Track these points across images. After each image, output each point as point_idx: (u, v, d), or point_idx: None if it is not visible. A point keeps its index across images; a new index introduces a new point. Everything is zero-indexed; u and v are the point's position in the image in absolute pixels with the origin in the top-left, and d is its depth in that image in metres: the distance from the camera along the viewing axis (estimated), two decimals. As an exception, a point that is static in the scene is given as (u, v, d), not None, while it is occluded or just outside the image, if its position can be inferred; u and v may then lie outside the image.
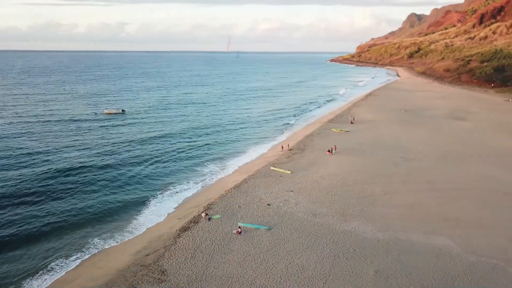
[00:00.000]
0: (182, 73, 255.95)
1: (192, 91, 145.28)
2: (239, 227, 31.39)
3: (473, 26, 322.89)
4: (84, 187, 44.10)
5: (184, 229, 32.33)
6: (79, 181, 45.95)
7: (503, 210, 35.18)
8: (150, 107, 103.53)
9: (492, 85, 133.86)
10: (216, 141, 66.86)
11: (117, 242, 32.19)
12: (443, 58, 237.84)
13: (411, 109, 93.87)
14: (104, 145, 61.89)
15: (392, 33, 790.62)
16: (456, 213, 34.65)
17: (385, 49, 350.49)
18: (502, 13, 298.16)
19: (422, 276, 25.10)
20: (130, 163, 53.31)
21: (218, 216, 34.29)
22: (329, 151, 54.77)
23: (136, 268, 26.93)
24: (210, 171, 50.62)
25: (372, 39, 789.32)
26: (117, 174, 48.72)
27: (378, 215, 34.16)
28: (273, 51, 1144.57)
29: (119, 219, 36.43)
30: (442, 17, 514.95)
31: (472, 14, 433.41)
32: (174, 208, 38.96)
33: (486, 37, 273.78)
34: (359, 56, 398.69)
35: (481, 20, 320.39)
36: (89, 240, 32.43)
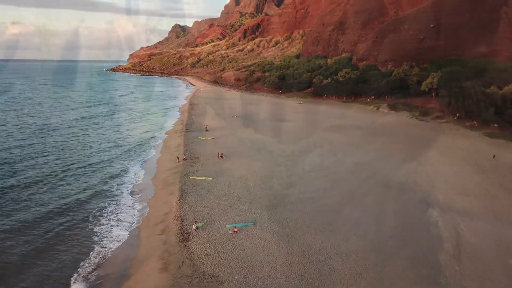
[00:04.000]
0: None
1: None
2: (235, 227, 36.01)
3: (239, 40, 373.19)
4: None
5: (184, 240, 34.57)
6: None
7: (380, 180, 50.83)
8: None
9: (280, 91, 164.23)
10: (93, 164, 63.30)
11: (130, 269, 31.75)
12: (224, 68, 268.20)
13: (239, 115, 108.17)
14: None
15: (160, 43, 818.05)
16: (353, 187, 48.05)
17: (168, 58, 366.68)
18: (260, 29, 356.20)
19: (374, 227, 36.44)
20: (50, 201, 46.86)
21: (201, 224, 37.52)
22: (221, 156, 61.67)
23: (184, 280, 28.78)
24: (122, 190, 50.06)
25: (142, 48, 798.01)
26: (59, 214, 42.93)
27: (315, 197, 44.10)
28: (29, 59, 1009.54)
29: (112, 255, 34.72)
30: (207, 30, 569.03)
31: (231, 28, 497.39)
32: (138, 230, 39.12)
33: (252, 49, 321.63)
34: (141, 65, 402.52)
35: (244, 35, 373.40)
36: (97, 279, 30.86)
